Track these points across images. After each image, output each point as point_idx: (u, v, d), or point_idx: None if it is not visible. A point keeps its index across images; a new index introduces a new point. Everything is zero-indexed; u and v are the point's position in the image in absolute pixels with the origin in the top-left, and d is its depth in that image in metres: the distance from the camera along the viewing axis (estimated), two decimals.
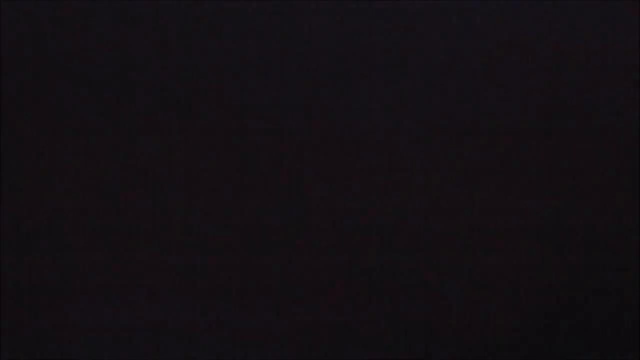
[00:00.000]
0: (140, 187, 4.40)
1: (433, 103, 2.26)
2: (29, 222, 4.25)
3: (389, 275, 1.89)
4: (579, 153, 1.76)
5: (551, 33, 1.99)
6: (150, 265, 4.21)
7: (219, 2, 4.35)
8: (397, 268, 1.82)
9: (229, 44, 4.42)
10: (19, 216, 4.24)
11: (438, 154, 2.18)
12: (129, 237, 4.36)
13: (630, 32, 2.12)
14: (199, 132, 4.47)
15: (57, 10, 4.19)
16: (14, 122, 4.24)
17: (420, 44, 2.35)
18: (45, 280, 4.05)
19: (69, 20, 4.23)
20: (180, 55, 4.28)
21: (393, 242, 2.20)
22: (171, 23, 4.29)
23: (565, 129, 1.75)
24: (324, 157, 2.06)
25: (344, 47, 4.32)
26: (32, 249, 4.18)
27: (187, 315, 4.14)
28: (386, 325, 2.02)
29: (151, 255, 4.27)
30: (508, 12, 1.83)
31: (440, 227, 2.01)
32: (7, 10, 4.06)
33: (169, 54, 4.28)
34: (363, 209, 2.43)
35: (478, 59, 1.92)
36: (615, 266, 1.82)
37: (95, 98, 4.30)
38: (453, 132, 2.06)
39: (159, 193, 4.40)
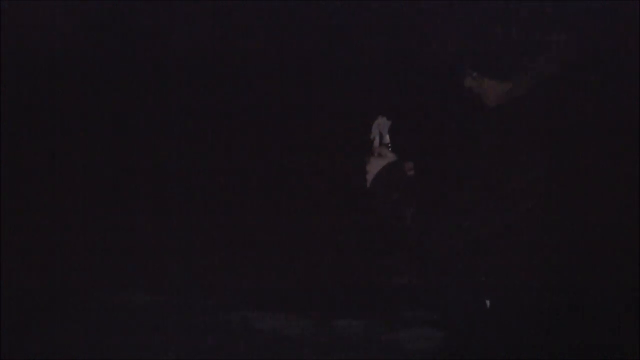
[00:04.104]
0: (140, 187, 4.37)
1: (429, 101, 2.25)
2: (29, 222, 4.22)
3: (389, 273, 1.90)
4: (579, 153, 1.76)
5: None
6: (150, 266, 4.19)
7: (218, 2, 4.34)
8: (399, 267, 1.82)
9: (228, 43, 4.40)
10: (19, 216, 4.22)
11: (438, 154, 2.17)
12: (128, 237, 4.33)
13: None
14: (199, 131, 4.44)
15: (58, 11, 4.17)
16: (14, 122, 4.22)
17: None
18: (45, 282, 4.03)
19: (69, 20, 4.21)
20: (180, 56, 4.26)
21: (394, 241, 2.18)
22: (171, 23, 4.27)
23: (566, 129, 1.75)
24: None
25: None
26: (32, 250, 4.16)
27: (187, 315, 4.11)
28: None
29: (151, 256, 4.24)
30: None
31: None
32: (7, 11, 4.04)
33: (169, 54, 4.26)
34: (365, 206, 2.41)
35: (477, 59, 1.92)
36: (615, 266, 1.82)
37: (96, 98, 4.28)
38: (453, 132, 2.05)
39: (159, 193, 4.38)
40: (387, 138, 2.05)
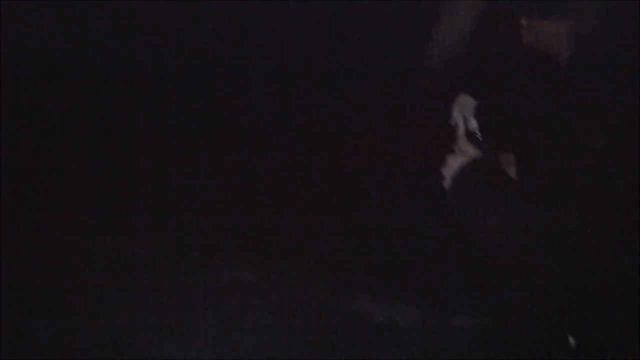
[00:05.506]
0: (141, 187, 4.38)
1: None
2: (29, 222, 4.23)
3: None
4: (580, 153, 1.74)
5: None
6: (150, 265, 4.20)
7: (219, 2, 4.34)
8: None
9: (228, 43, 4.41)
10: (18, 216, 4.22)
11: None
12: (128, 237, 4.34)
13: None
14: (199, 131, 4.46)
15: (57, 11, 4.18)
16: (14, 122, 4.22)
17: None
18: (45, 281, 4.04)
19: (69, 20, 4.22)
20: (179, 56, 4.27)
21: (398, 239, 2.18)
22: (171, 23, 4.28)
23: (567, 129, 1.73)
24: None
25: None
26: (32, 250, 4.17)
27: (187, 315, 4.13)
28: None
29: (151, 255, 4.25)
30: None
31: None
32: (7, 11, 4.05)
33: (169, 54, 4.26)
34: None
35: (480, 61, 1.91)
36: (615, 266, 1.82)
37: (95, 98, 4.29)
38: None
39: (159, 193, 4.39)
40: (473, 123, 1.54)
